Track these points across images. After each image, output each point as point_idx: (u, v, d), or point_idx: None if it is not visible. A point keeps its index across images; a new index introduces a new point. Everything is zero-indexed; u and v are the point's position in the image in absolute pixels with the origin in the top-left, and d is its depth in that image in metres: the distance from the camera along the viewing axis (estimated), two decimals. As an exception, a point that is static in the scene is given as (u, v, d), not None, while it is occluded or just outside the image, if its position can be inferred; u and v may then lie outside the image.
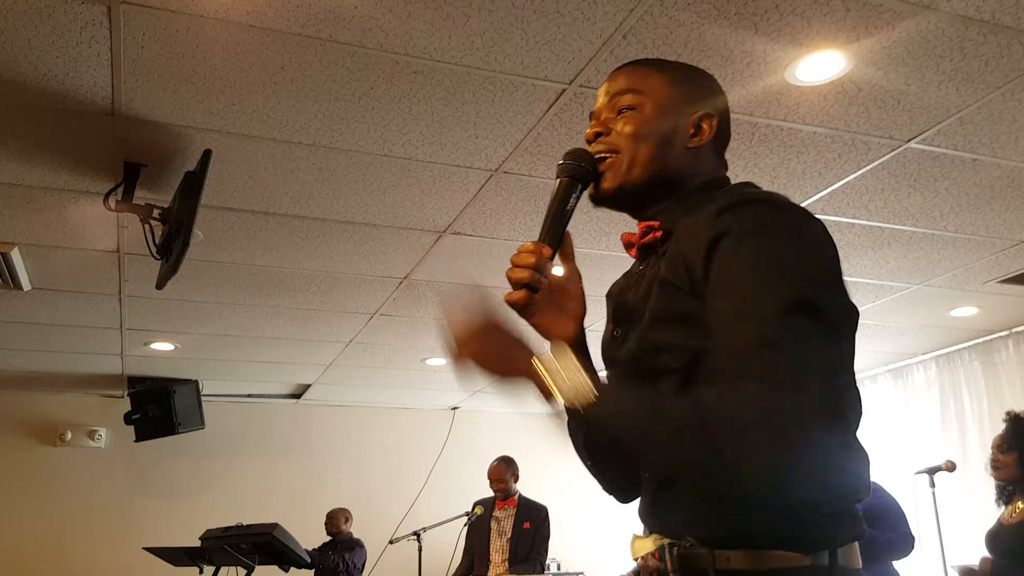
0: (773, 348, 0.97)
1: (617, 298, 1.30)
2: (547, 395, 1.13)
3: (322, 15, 2.29)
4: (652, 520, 1.19)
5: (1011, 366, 5.77)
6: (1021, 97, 2.75)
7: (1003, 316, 5.41)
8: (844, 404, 1.00)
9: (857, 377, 1.11)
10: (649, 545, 1.15)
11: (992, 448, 3.48)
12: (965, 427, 5.93)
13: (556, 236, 1.23)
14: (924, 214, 3.70)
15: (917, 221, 3.78)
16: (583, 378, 1.09)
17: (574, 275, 1.29)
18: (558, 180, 1.26)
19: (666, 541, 1.12)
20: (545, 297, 1.22)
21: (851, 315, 1.07)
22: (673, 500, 1.14)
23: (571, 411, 1.26)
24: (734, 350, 1.00)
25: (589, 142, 1.28)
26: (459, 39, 2.40)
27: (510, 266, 1.20)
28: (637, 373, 1.17)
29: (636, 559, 1.19)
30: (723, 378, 0.99)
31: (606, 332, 1.31)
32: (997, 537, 3.36)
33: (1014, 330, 5.72)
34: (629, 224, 1.33)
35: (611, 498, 1.39)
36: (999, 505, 3.51)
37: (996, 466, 3.42)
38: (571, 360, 1.12)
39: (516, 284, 1.20)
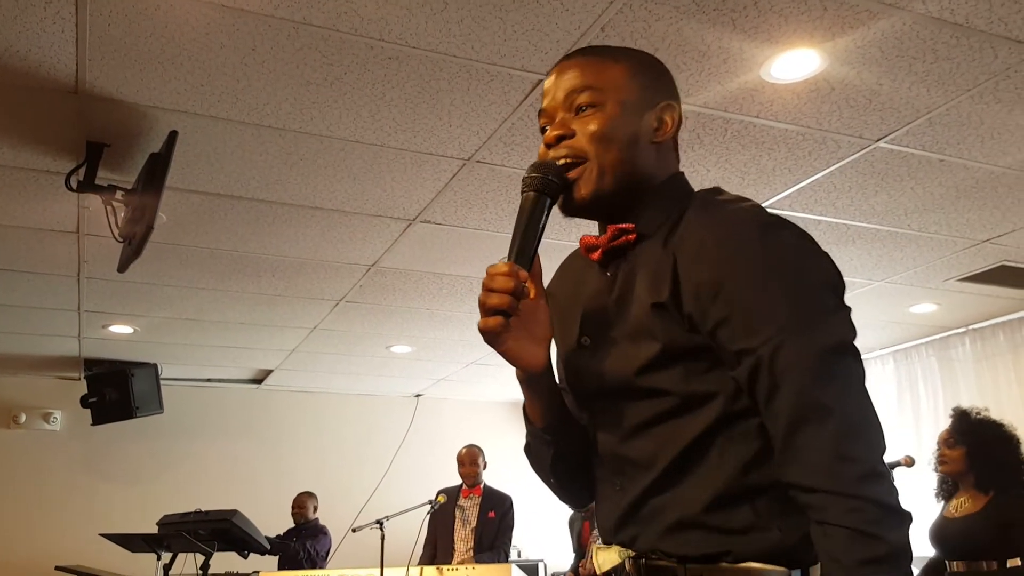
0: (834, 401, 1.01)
1: (587, 303, 1.23)
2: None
3: (296, -3, 2.24)
4: (619, 532, 1.17)
5: (967, 362, 5.90)
6: (989, 100, 2.79)
7: (961, 313, 5.52)
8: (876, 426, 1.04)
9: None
10: (615, 558, 1.14)
11: (938, 443, 3.53)
12: (920, 422, 6.05)
13: (529, 256, 1.13)
14: (889, 212, 3.75)
15: (882, 219, 3.83)
16: None
17: (541, 296, 1.19)
18: (525, 195, 1.16)
19: (631, 554, 1.12)
20: (515, 322, 1.13)
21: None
22: (645, 515, 1.12)
23: (540, 429, 1.24)
24: (792, 411, 1.02)
25: (549, 145, 1.19)
26: (436, 25, 2.37)
27: (483, 290, 1.11)
28: (626, 401, 1.15)
29: (601, 572, 1.17)
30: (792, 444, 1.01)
31: (567, 339, 1.25)
32: (945, 531, 3.41)
33: (971, 327, 5.84)
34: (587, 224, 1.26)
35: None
36: (938, 499, 3.58)
37: (943, 460, 3.48)
38: None
39: (491, 310, 1.10)
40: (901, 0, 2.27)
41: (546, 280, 1.29)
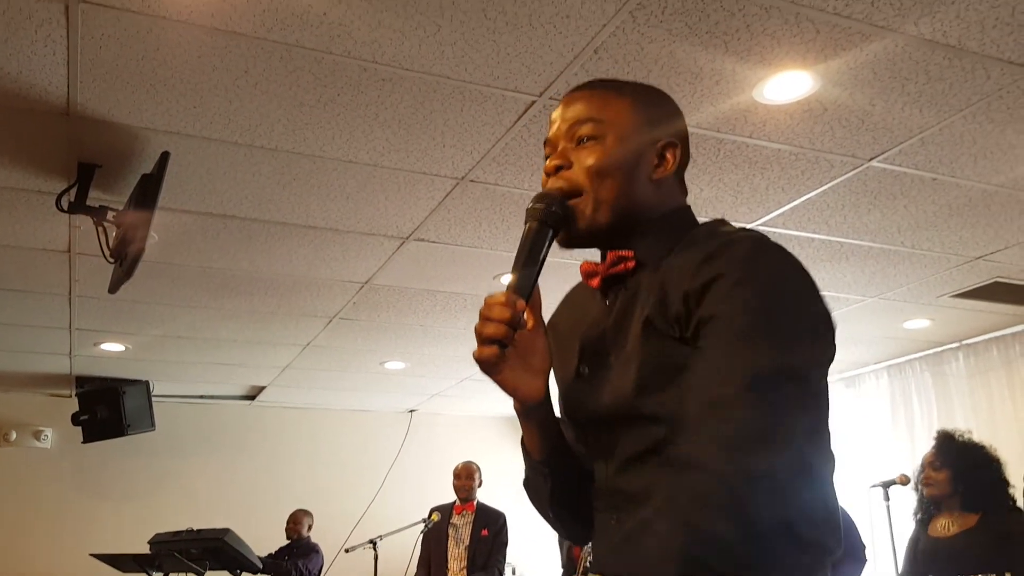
0: (746, 410, 0.96)
1: (586, 332, 1.23)
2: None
3: (289, 20, 2.24)
4: (613, 562, 1.15)
5: (960, 377, 5.90)
6: (982, 120, 2.79)
7: (955, 328, 5.52)
8: (814, 472, 0.98)
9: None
10: None
11: (924, 466, 3.54)
12: (915, 436, 6.04)
13: (528, 287, 1.13)
14: (882, 230, 3.75)
15: (875, 237, 3.84)
16: None
17: (539, 327, 1.19)
18: (528, 225, 1.16)
19: None
20: (512, 353, 1.12)
21: (829, 360, 1.06)
22: (641, 542, 1.10)
23: (538, 461, 1.23)
24: (705, 407, 0.99)
25: (548, 174, 1.20)
26: (429, 48, 2.37)
27: (479, 319, 1.10)
28: (621, 430, 1.13)
29: None
30: (689, 434, 0.99)
31: (566, 369, 1.24)
32: (935, 552, 3.41)
33: (964, 342, 5.85)
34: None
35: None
36: (915, 519, 3.57)
37: (928, 483, 3.48)
38: None
39: (488, 340, 1.09)
40: (894, 22, 2.27)
41: (549, 310, 1.29)
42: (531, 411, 1.20)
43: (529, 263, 1.14)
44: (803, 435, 0.98)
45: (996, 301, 4.85)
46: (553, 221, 1.16)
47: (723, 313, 1.01)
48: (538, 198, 1.17)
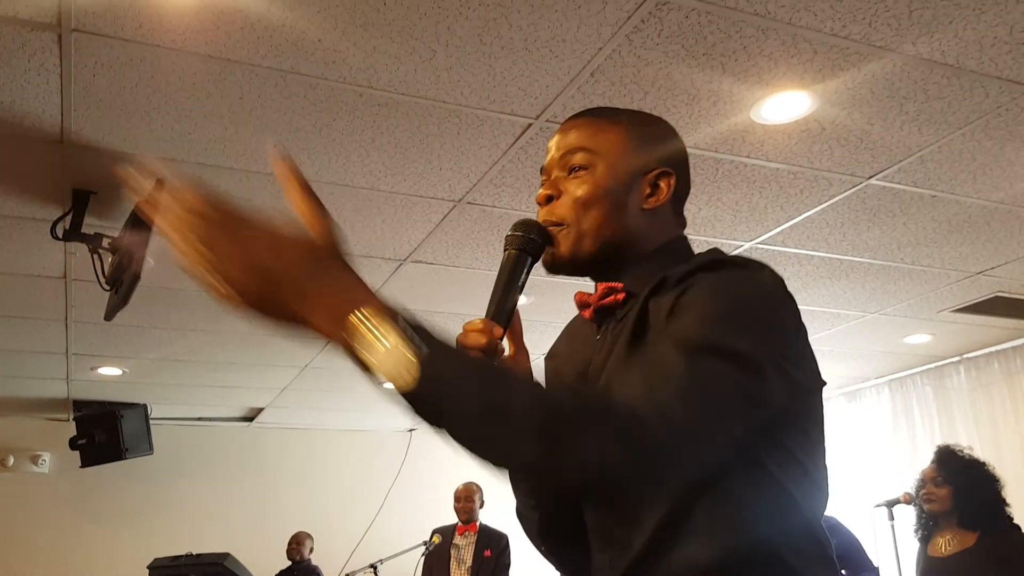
0: (666, 382, 0.91)
1: (580, 364, 1.19)
2: (361, 365, 0.85)
3: (284, 47, 2.22)
4: None
5: (961, 391, 5.88)
6: (981, 137, 2.78)
7: (955, 343, 5.50)
8: (717, 451, 0.94)
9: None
10: None
11: (924, 481, 3.50)
12: (917, 450, 6.01)
13: (506, 314, 1.12)
14: (882, 247, 3.74)
15: (875, 254, 3.82)
16: (407, 347, 0.82)
17: (521, 353, 1.17)
18: (507, 253, 1.15)
19: None
20: None
21: (794, 376, 1.00)
22: None
23: (523, 493, 1.20)
24: (638, 381, 0.93)
25: (540, 204, 1.19)
26: (425, 73, 2.36)
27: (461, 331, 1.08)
28: None
29: None
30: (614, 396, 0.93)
31: None
32: (934, 572, 3.38)
33: (965, 356, 5.83)
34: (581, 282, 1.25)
35: None
36: (916, 535, 3.53)
37: (930, 499, 3.44)
38: (397, 327, 0.83)
39: None
40: (892, 42, 2.26)
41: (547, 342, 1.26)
42: None
43: (507, 291, 1.13)
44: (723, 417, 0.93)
45: (997, 315, 4.84)
46: (531, 249, 1.15)
47: (686, 303, 0.99)
48: (517, 226, 1.17)
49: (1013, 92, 2.52)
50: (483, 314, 1.13)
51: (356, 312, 0.83)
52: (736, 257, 1.08)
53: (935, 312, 4.73)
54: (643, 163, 1.17)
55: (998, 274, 4.12)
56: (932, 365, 6.03)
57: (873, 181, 3.08)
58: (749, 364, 0.93)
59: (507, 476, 1.20)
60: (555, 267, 1.18)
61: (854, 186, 3.12)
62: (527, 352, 1.19)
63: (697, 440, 0.91)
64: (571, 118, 1.23)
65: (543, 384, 0.94)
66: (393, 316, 0.84)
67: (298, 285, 0.84)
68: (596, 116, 1.22)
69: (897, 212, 3.36)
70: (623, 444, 0.86)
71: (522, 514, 1.26)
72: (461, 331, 1.09)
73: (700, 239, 3.46)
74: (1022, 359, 5.53)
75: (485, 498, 5.37)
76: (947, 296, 4.46)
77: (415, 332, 0.84)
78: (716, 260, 1.06)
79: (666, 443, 0.88)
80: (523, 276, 1.15)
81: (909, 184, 3.12)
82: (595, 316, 1.19)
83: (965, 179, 3.09)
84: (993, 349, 5.67)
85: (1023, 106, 2.60)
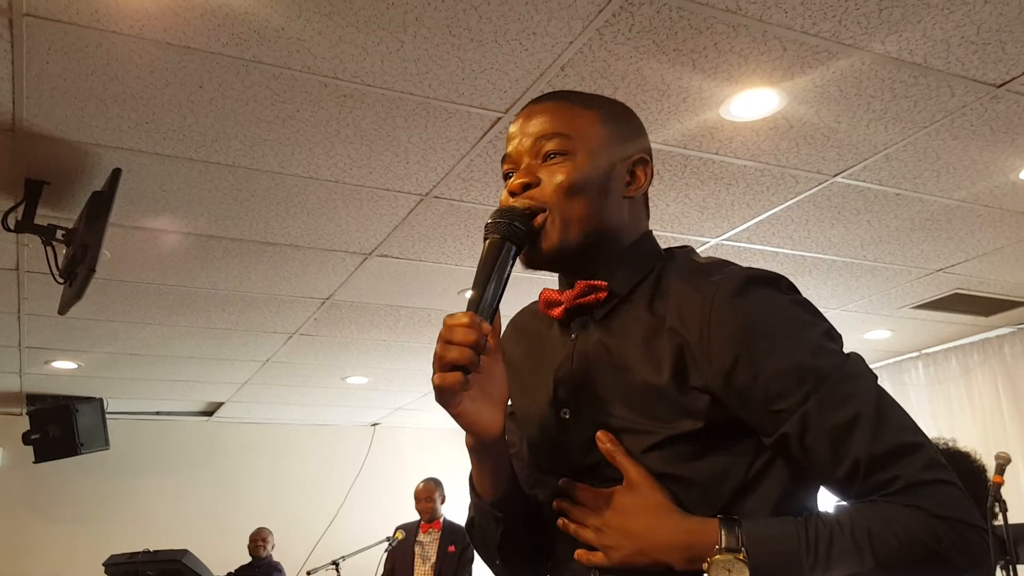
0: (919, 444, 1.04)
1: (561, 369, 1.11)
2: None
3: (246, 35, 2.16)
4: None
5: (920, 386, 5.97)
6: (945, 136, 2.80)
7: (915, 339, 5.58)
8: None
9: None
10: None
11: None
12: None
13: (492, 308, 1.02)
14: (845, 244, 3.77)
15: (838, 251, 3.85)
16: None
17: (497, 353, 1.05)
18: (489, 240, 1.04)
19: None
20: (474, 380, 0.99)
21: None
22: None
23: (489, 503, 1.11)
24: (890, 460, 1.01)
25: (513, 193, 1.08)
26: (392, 64, 2.31)
27: (439, 342, 0.98)
28: (599, 484, 1.04)
29: None
30: (900, 488, 1.00)
31: (537, 408, 1.13)
32: None
33: (923, 352, 5.92)
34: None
35: None
36: None
37: None
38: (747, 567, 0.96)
39: (450, 365, 0.97)
40: (860, 40, 2.26)
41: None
42: (488, 447, 1.06)
43: (492, 282, 1.02)
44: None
45: (955, 312, 4.91)
46: (517, 237, 1.05)
47: (783, 370, 0.99)
48: (499, 212, 1.06)
49: (978, 92, 2.54)
50: (452, 310, 1.05)
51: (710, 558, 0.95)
52: (751, 275, 1.02)
53: (895, 308, 4.79)
54: (621, 149, 1.12)
55: (958, 271, 4.18)
56: (891, 360, 6.11)
57: (839, 179, 3.09)
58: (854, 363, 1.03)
59: (468, 479, 1.14)
60: (537, 260, 1.09)
61: (820, 183, 3.13)
62: (501, 352, 1.07)
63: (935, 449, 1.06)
64: (535, 102, 1.14)
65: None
66: (735, 547, 0.95)
67: (663, 544, 0.99)
68: (566, 100, 1.14)
69: (861, 210, 3.38)
70: (967, 509, 1.04)
71: (478, 526, 1.17)
72: (443, 327, 0.99)
73: (667, 235, 3.45)
74: (979, 355, 5.62)
75: (446, 492, 5.33)
76: (907, 293, 4.51)
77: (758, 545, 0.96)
78: (744, 282, 1.00)
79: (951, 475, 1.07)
80: (508, 267, 1.04)
81: (874, 182, 3.14)
82: (566, 315, 1.12)
83: (929, 177, 3.11)
84: (951, 345, 5.76)
85: (987, 106, 2.62)
